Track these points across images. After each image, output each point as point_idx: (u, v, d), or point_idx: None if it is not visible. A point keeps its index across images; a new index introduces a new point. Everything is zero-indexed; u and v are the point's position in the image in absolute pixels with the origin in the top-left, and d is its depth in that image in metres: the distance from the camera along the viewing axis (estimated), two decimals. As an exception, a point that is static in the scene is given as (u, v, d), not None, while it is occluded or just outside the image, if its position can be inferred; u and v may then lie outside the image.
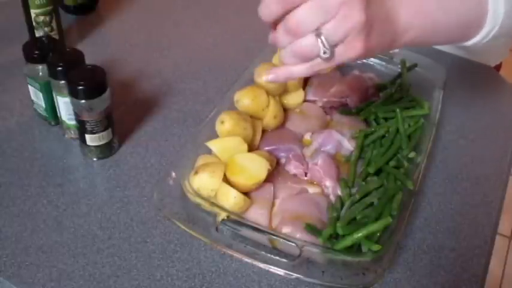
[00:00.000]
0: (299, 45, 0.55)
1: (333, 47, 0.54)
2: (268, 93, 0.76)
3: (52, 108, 0.78)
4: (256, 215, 0.66)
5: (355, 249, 0.64)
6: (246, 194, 0.66)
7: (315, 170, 0.73)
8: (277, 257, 0.61)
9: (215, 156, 0.71)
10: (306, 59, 0.56)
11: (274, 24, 0.57)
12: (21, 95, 0.84)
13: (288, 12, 0.54)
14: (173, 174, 0.68)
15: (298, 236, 0.63)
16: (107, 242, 0.67)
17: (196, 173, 0.66)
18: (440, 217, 0.73)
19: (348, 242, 0.63)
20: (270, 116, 0.76)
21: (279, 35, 0.56)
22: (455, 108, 0.90)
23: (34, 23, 0.89)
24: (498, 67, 1.13)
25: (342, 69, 0.91)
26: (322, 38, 0.53)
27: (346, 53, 0.55)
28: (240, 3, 1.14)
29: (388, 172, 0.72)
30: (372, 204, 0.68)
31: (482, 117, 0.91)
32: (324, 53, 0.54)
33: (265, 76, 0.61)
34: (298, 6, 0.53)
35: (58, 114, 0.78)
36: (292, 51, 0.56)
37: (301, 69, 0.57)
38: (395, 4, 0.59)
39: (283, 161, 0.75)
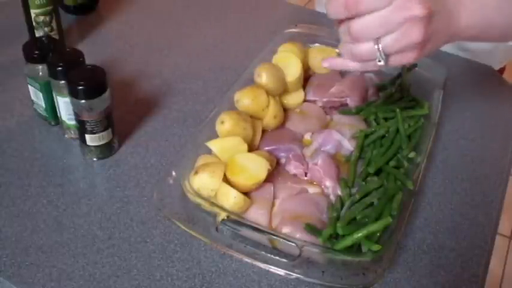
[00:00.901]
0: (359, 49, 0.59)
1: (388, 55, 0.59)
2: (268, 93, 0.76)
3: (52, 108, 0.78)
4: (256, 215, 0.66)
5: (355, 249, 0.64)
6: (246, 194, 0.66)
7: (315, 170, 0.73)
8: (277, 257, 0.60)
9: (215, 156, 0.71)
10: (362, 61, 0.61)
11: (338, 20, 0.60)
12: (21, 95, 0.84)
13: (353, 17, 0.57)
14: (173, 174, 0.68)
15: (298, 236, 0.63)
16: (107, 242, 0.67)
17: (196, 173, 0.66)
18: (440, 217, 0.73)
19: (348, 242, 0.63)
20: (270, 116, 0.76)
21: (341, 33, 0.60)
22: (455, 108, 0.90)
23: (34, 23, 0.89)
24: (502, 70, 1.13)
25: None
26: (380, 47, 0.57)
27: (399, 60, 0.60)
28: (240, 3, 1.14)
29: (388, 172, 0.72)
30: (372, 204, 0.68)
31: (482, 117, 0.91)
32: (379, 60, 0.59)
33: (322, 61, 0.66)
34: (364, 14, 0.57)
35: (58, 114, 0.78)
36: (352, 53, 0.60)
37: (355, 66, 0.62)
38: (456, 6, 0.61)
39: (283, 161, 0.75)
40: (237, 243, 0.62)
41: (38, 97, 0.78)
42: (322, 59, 0.66)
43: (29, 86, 0.78)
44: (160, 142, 0.80)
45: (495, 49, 1.06)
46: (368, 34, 0.57)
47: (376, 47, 0.57)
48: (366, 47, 0.58)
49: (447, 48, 1.02)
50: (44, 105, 0.79)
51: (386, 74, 0.91)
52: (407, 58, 0.60)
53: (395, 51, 0.58)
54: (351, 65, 0.62)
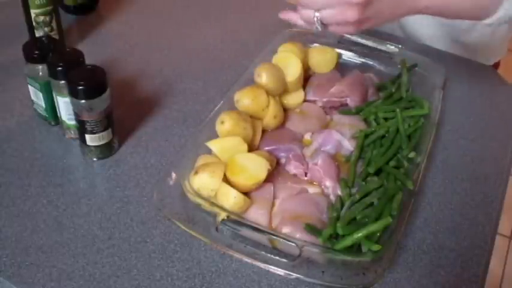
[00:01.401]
0: (305, 13, 0.71)
1: (326, 25, 0.71)
2: (268, 93, 0.76)
3: (52, 108, 0.78)
4: (256, 215, 0.66)
5: (355, 249, 0.64)
6: (246, 194, 0.66)
7: (315, 170, 0.73)
8: (277, 257, 0.60)
9: (215, 156, 0.71)
10: (306, 23, 0.73)
11: None
12: (21, 95, 0.84)
13: None
14: (173, 174, 0.68)
15: (298, 236, 0.63)
16: (107, 242, 0.67)
17: (196, 173, 0.66)
18: (440, 217, 0.73)
19: (348, 242, 0.63)
20: (270, 116, 0.76)
21: None
22: (455, 108, 0.90)
23: (34, 23, 0.89)
24: (496, 66, 1.13)
25: (342, 69, 0.91)
26: (319, 17, 0.70)
27: (338, 31, 0.72)
28: (240, 3, 1.14)
29: (388, 172, 0.72)
30: (372, 204, 0.68)
31: (482, 117, 0.91)
32: (316, 28, 0.71)
33: (280, 12, 0.76)
34: None
35: (58, 114, 0.78)
36: (300, 14, 0.72)
37: (302, 24, 0.74)
38: None
39: (283, 161, 0.75)
40: (237, 243, 0.62)
41: (38, 97, 0.78)
42: (281, 12, 0.76)
43: (29, 86, 0.78)
44: (160, 142, 0.80)
45: (490, 43, 1.06)
46: (311, 5, 0.70)
47: (314, 17, 0.70)
48: (309, 14, 0.70)
49: (446, 46, 1.02)
50: (44, 105, 0.79)
51: (386, 74, 0.91)
52: (346, 31, 0.72)
53: (331, 24, 0.70)
54: (300, 23, 0.74)
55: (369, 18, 0.70)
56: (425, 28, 1.03)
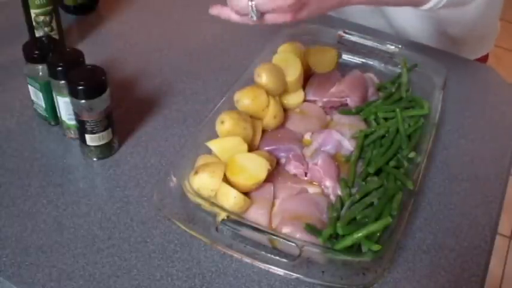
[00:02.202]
0: (236, 3, 0.64)
1: (262, 13, 0.65)
2: (268, 93, 0.76)
3: (52, 108, 0.78)
4: (256, 215, 0.66)
5: (355, 249, 0.64)
6: (246, 194, 0.66)
7: (315, 170, 0.73)
8: (277, 257, 0.60)
9: (215, 156, 0.71)
10: (240, 15, 0.66)
11: None
12: (21, 95, 0.84)
13: None
14: (173, 174, 0.68)
15: (298, 236, 0.63)
16: (107, 242, 0.67)
17: (196, 173, 0.66)
18: (440, 217, 0.73)
19: (348, 242, 0.63)
20: (270, 116, 0.76)
21: None
22: (455, 108, 0.90)
23: (34, 23, 0.89)
24: (485, 59, 1.14)
25: (342, 69, 0.91)
26: (253, 5, 0.63)
27: (275, 19, 0.66)
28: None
29: (388, 172, 0.72)
30: (372, 204, 0.68)
31: (482, 117, 0.91)
32: (251, 16, 0.64)
33: (211, 7, 0.69)
34: None
35: (58, 114, 0.78)
36: (232, 5, 0.66)
37: (235, 19, 0.68)
38: None
39: (283, 161, 0.75)
40: (237, 243, 0.62)
41: (38, 97, 0.78)
42: (211, 7, 0.70)
43: (29, 86, 0.78)
44: (160, 142, 0.80)
45: (475, 34, 1.08)
46: None
47: (249, 4, 0.63)
48: (242, 3, 0.64)
49: (445, 46, 1.03)
50: (44, 105, 0.79)
51: (386, 74, 0.91)
52: (283, 19, 0.66)
53: (267, 11, 0.64)
54: (233, 17, 0.68)
55: (304, 4, 0.65)
56: (413, 21, 1.03)
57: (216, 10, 0.69)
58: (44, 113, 0.80)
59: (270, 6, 0.64)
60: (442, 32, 1.04)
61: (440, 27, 1.04)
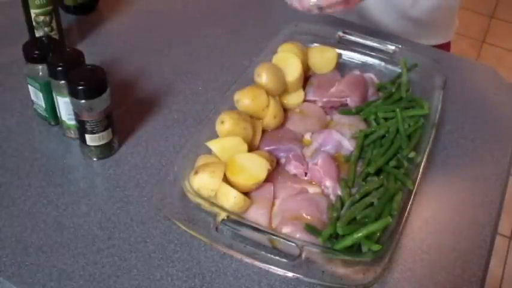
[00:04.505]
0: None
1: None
2: (268, 93, 0.76)
3: (52, 108, 0.78)
4: (256, 215, 0.66)
5: (355, 249, 0.64)
6: (246, 194, 0.66)
7: (315, 170, 0.73)
8: (277, 257, 0.60)
9: (215, 156, 0.71)
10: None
11: None
12: (21, 95, 0.84)
13: None
14: (173, 174, 0.68)
15: (298, 236, 0.63)
16: (107, 242, 0.67)
17: (196, 173, 0.66)
18: (440, 217, 0.73)
19: (348, 242, 0.63)
20: (270, 116, 0.76)
21: None
22: (455, 108, 0.90)
23: (34, 23, 0.89)
24: (447, 47, 1.16)
25: (342, 69, 0.91)
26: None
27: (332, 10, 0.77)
28: (240, 3, 1.14)
29: (388, 172, 0.72)
30: (372, 204, 0.68)
31: (482, 117, 0.91)
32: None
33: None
34: None
35: (58, 114, 0.78)
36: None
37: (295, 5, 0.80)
38: None
39: (283, 161, 0.75)
40: (237, 243, 0.62)
41: (38, 97, 0.78)
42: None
43: (29, 86, 0.78)
44: (160, 142, 0.80)
45: (436, 18, 1.10)
46: None
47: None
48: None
49: (389, 16, 1.07)
50: (44, 105, 0.79)
51: (386, 74, 0.91)
52: (337, 8, 0.77)
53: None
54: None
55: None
56: (375, 5, 1.06)
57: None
58: (44, 113, 0.80)
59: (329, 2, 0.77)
60: (402, 15, 1.07)
61: (400, 10, 1.07)
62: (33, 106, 0.81)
